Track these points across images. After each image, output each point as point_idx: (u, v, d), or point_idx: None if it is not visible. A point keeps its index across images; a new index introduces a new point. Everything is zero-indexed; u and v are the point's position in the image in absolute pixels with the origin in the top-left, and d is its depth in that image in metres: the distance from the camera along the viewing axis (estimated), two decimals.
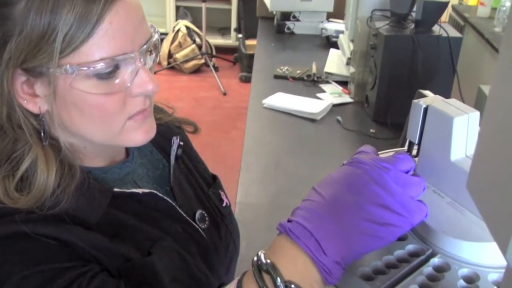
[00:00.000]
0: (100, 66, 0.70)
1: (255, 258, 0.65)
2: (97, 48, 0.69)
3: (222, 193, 1.06)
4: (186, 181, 0.98)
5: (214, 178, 1.09)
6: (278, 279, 0.61)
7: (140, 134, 0.80)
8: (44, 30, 0.67)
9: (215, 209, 1.00)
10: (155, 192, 0.85)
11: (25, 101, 0.73)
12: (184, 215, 0.90)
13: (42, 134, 0.75)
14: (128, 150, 0.92)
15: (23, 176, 0.74)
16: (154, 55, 0.81)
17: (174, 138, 0.98)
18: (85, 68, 0.70)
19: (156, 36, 0.79)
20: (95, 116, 0.75)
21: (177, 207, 0.89)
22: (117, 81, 0.73)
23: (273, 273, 0.62)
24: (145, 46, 0.75)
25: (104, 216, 0.78)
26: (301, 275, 0.62)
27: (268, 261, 0.63)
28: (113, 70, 0.72)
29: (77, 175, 0.76)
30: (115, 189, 0.81)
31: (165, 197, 0.87)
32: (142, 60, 0.75)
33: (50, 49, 0.68)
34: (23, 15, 0.67)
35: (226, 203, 1.05)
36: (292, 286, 0.61)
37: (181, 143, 0.98)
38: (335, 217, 0.63)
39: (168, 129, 1.00)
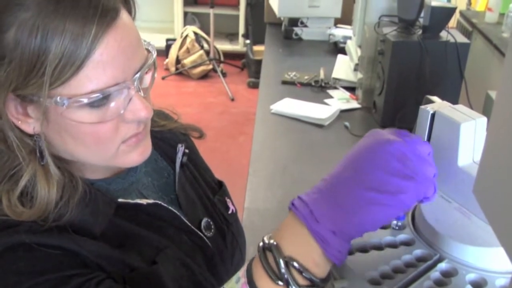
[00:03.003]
0: (91, 98, 0.69)
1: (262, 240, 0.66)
2: (88, 80, 0.68)
3: (228, 200, 1.05)
4: (191, 189, 0.98)
5: (220, 184, 1.09)
6: (278, 258, 0.62)
7: (135, 157, 0.79)
8: (33, 62, 0.66)
9: (221, 217, 1.00)
10: (159, 202, 0.85)
11: (19, 122, 0.73)
12: (189, 224, 0.89)
13: (38, 154, 0.74)
14: None
15: (24, 191, 0.74)
16: (151, 72, 0.80)
17: (179, 145, 0.97)
18: (76, 101, 0.69)
19: (152, 57, 0.78)
20: (88, 143, 0.74)
21: (182, 217, 0.88)
22: (110, 108, 0.72)
23: (274, 250, 0.63)
24: (138, 74, 0.74)
25: (109, 225, 0.78)
26: (301, 249, 0.63)
27: (272, 241, 0.65)
28: (105, 98, 0.71)
29: (80, 187, 0.76)
30: (119, 200, 0.81)
31: (170, 207, 0.86)
32: (136, 85, 0.74)
33: (39, 81, 0.67)
34: (12, 44, 0.66)
35: (232, 210, 1.04)
36: (294, 263, 0.62)
37: (186, 150, 0.97)
38: (332, 188, 0.63)
39: (173, 136, 0.99)
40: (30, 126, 0.73)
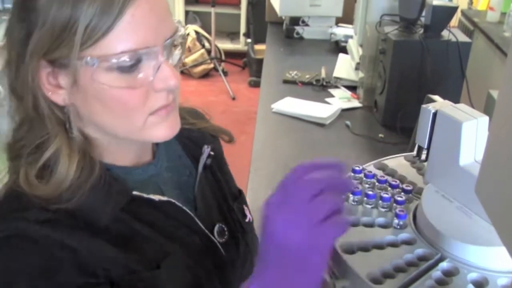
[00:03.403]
0: (122, 59, 0.70)
1: None
2: (119, 41, 0.69)
3: (246, 208, 1.03)
4: (211, 192, 0.96)
5: (240, 192, 1.06)
6: None
7: (164, 130, 0.78)
8: (65, 22, 0.67)
9: (237, 224, 0.97)
10: (173, 201, 0.83)
11: (50, 92, 0.73)
12: (202, 227, 0.87)
13: (67, 125, 0.76)
14: (154, 153, 0.90)
15: (45, 164, 0.74)
16: (179, 50, 0.79)
17: (206, 146, 0.95)
18: (106, 61, 0.69)
19: (182, 30, 0.78)
20: (116, 110, 0.74)
21: (196, 218, 0.86)
22: (139, 75, 0.72)
23: None
24: (169, 40, 0.74)
25: (116, 222, 0.77)
26: None
27: None
28: (135, 63, 0.71)
29: (96, 170, 0.76)
30: (134, 192, 0.79)
31: (184, 207, 0.85)
32: (165, 54, 0.74)
33: (71, 41, 0.68)
34: (46, 7, 0.68)
35: (250, 218, 1.02)
36: None
37: (212, 153, 0.95)
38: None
39: (201, 136, 0.97)
40: (60, 97, 0.74)
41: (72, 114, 0.76)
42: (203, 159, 0.94)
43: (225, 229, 0.94)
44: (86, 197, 0.74)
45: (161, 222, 0.82)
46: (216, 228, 0.92)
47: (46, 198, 0.72)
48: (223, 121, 4.69)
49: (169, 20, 0.75)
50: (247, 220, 1.01)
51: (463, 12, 3.29)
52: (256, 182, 1.62)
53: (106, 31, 0.68)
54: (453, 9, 1.85)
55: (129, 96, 0.73)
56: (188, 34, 5.07)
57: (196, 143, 0.96)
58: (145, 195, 0.80)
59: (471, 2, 3.48)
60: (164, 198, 0.82)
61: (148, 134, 0.78)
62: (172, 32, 0.75)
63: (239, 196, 1.04)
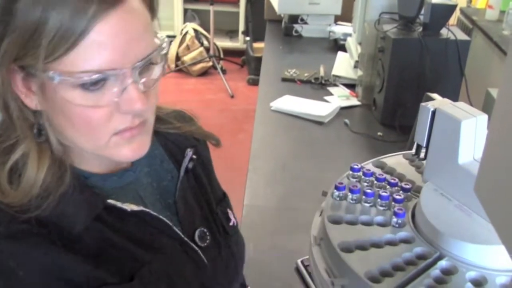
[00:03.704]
0: (85, 78, 0.67)
1: None
2: (82, 59, 0.67)
3: (230, 211, 1.01)
4: (193, 196, 0.94)
5: (224, 195, 1.05)
6: None
7: (126, 152, 0.76)
8: (32, 32, 0.66)
9: (221, 228, 0.96)
10: (147, 210, 0.81)
11: (24, 95, 0.72)
12: (180, 233, 0.86)
13: (35, 130, 0.74)
14: None
15: (14, 168, 0.73)
16: (160, 66, 0.77)
17: (188, 150, 0.94)
18: (69, 78, 0.67)
19: (164, 49, 0.76)
20: (79, 127, 0.72)
21: (173, 226, 0.84)
22: (104, 95, 0.70)
23: None
24: (140, 62, 0.71)
25: (90, 231, 0.75)
26: None
27: None
28: (100, 82, 0.69)
29: (67, 177, 0.74)
30: (109, 201, 0.77)
31: (159, 216, 0.82)
32: (134, 76, 0.71)
33: (36, 52, 0.66)
34: (20, 12, 0.66)
35: (234, 222, 1.00)
36: None
37: (194, 156, 0.94)
38: None
39: (184, 140, 0.96)
40: (33, 101, 0.72)
41: (44, 120, 0.74)
42: (184, 162, 0.93)
43: (207, 233, 0.92)
44: (56, 205, 0.73)
45: (137, 231, 0.81)
46: (197, 233, 0.90)
47: (16, 205, 0.71)
48: (222, 120, 4.71)
49: (143, 40, 0.72)
50: (231, 223, 0.99)
51: (462, 10, 3.29)
52: (255, 181, 1.62)
53: (69, 48, 0.66)
54: (452, 7, 1.85)
55: (92, 114, 0.71)
56: (186, 32, 5.06)
57: (180, 147, 0.95)
58: (118, 204, 0.78)
59: (470, 0, 3.48)
60: (137, 208, 0.80)
61: (111, 153, 0.76)
62: (148, 52, 0.72)
63: (223, 199, 1.02)
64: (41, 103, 0.72)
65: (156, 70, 0.76)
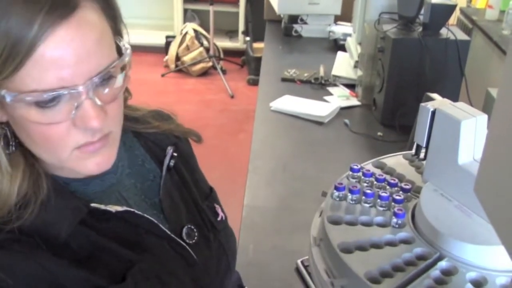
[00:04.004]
0: (33, 98, 0.65)
1: None
2: (30, 79, 0.64)
3: (217, 206, 1.01)
4: (178, 194, 0.93)
5: (211, 190, 1.04)
6: None
7: (90, 165, 0.74)
8: None
9: (208, 224, 0.95)
10: (132, 210, 0.80)
11: None
12: (167, 231, 0.85)
13: (2, 142, 0.72)
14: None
15: None
16: (121, 74, 0.73)
17: (169, 148, 0.93)
18: (19, 97, 0.65)
19: (123, 61, 0.72)
20: (39, 142, 0.71)
21: (159, 224, 0.84)
22: (59, 111, 0.68)
23: None
24: (95, 79, 0.68)
25: (76, 237, 0.75)
26: None
27: None
28: (53, 100, 0.66)
29: (45, 186, 0.73)
30: (92, 204, 0.76)
31: (145, 215, 0.82)
32: (89, 92, 0.68)
33: None
34: None
35: (222, 217, 1.00)
36: None
37: (175, 154, 0.93)
38: None
39: (165, 138, 0.95)
40: None
41: (9, 131, 0.72)
42: (166, 160, 0.92)
43: (195, 230, 0.92)
44: (38, 213, 0.72)
45: (124, 232, 0.80)
46: (184, 230, 0.90)
47: None
48: (222, 120, 4.73)
49: (98, 53, 0.68)
50: (219, 218, 0.99)
51: (461, 10, 3.29)
52: (255, 181, 1.62)
53: (16, 68, 0.63)
54: (452, 7, 1.85)
55: (49, 131, 0.69)
56: (186, 33, 5.06)
57: (160, 145, 0.94)
58: (102, 207, 0.77)
59: (469, 0, 3.48)
60: (121, 209, 0.79)
61: (74, 166, 0.74)
62: (104, 65, 0.69)
63: (210, 195, 1.02)
64: (4, 116, 0.70)
65: (118, 81, 0.73)
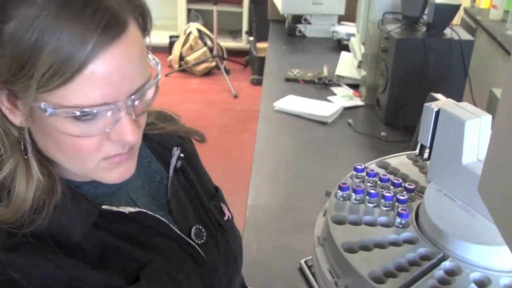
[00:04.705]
0: (75, 113, 0.66)
1: None
2: (75, 94, 0.65)
3: (223, 205, 1.01)
4: (185, 194, 0.94)
5: (216, 189, 1.04)
6: None
7: (114, 175, 0.76)
8: (23, 62, 0.63)
9: (215, 224, 0.96)
10: (143, 211, 0.81)
11: (8, 111, 0.70)
12: (178, 231, 0.86)
13: (22, 147, 0.72)
14: None
15: (3, 185, 0.71)
16: (153, 88, 0.75)
17: (175, 149, 0.93)
18: (60, 111, 0.66)
19: (157, 77, 0.74)
20: (68, 153, 0.72)
21: (170, 224, 0.85)
22: (95, 125, 0.69)
23: None
24: (134, 96, 0.70)
25: (89, 239, 0.75)
26: None
27: None
28: (91, 114, 0.67)
29: (59, 190, 0.73)
30: (103, 207, 0.77)
31: (156, 215, 0.83)
32: (127, 108, 0.69)
33: (27, 82, 0.63)
34: (8, 37, 0.63)
35: (228, 216, 1.00)
36: None
37: (181, 154, 0.93)
38: None
39: (169, 139, 0.96)
40: (17, 118, 0.70)
41: (29, 136, 0.72)
42: (173, 162, 0.92)
43: (203, 230, 0.92)
44: (52, 217, 0.72)
45: (135, 233, 0.81)
46: (193, 230, 0.90)
47: (9, 222, 0.69)
48: (225, 120, 4.73)
49: (139, 71, 0.70)
50: (225, 218, 0.99)
51: (465, 10, 3.28)
52: (258, 180, 1.62)
53: (63, 83, 0.63)
54: (456, 7, 1.85)
55: (82, 143, 0.70)
56: (190, 33, 5.07)
57: (166, 146, 0.94)
58: (114, 209, 0.78)
59: (473, 0, 3.48)
60: (134, 210, 0.80)
61: (97, 176, 0.76)
62: (142, 82, 0.71)
63: (215, 194, 1.02)
64: (27, 122, 0.70)
65: (149, 93, 0.75)
